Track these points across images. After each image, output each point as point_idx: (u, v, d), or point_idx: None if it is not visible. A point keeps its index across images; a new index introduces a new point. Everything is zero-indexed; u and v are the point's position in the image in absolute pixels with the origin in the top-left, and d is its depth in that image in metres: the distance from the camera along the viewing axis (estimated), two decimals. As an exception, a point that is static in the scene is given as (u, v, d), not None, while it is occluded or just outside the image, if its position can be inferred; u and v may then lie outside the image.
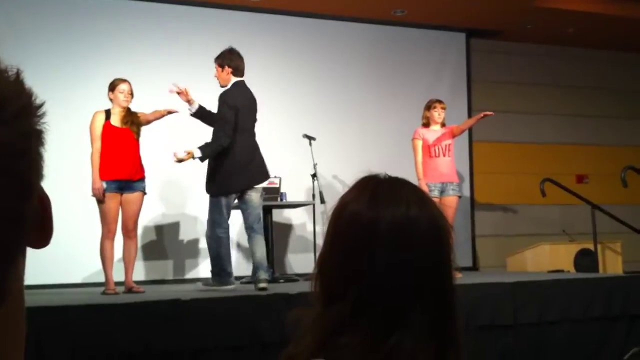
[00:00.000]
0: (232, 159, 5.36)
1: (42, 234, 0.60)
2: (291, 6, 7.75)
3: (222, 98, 5.49)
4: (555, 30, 8.60)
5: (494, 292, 4.77)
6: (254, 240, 5.42)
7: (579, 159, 9.25)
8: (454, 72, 8.72)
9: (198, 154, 5.34)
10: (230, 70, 5.59)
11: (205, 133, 7.32)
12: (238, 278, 6.86)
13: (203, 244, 7.40)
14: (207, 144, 5.39)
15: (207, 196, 7.33)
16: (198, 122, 7.10)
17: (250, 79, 7.58)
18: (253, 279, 5.43)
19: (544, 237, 8.12)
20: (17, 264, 0.57)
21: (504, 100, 8.83)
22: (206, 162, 5.47)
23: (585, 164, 9.28)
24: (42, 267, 6.32)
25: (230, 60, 5.61)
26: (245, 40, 7.65)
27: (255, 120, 5.64)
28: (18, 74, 0.57)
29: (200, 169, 7.33)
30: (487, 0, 7.68)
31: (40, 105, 0.58)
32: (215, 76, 5.64)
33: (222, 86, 5.61)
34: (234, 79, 5.58)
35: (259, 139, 7.52)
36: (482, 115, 6.59)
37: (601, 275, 6.47)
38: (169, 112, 5.69)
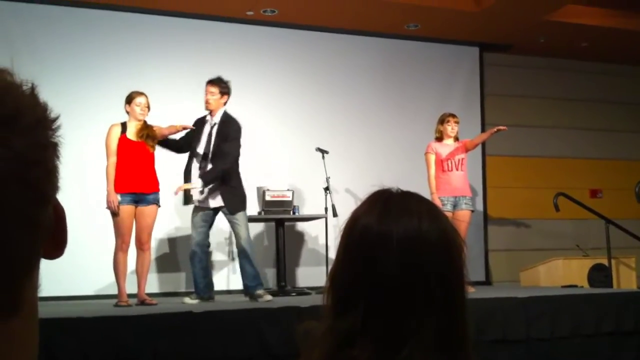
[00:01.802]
0: (239, 179, 5.73)
1: (56, 244, 0.61)
2: (305, 20, 7.78)
3: (235, 127, 5.75)
4: (568, 44, 8.59)
5: (506, 307, 4.74)
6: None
7: (593, 174, 9.20)
8: (467, 86, 8.71)
9: (199, 183, 5.57)
10: (226, 100, 5.81)
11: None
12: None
13: (215, 257, 7.43)
14: (208, 172, 5.61)
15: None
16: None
17: (264, 93, 7.65)
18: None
19: (557, 251, 8.06)
20: (32, 274, 0.58)
21: (518, 114, 8.81)
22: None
23: (599, 179, 9.23)
24: (55, 278, 6.36)
25: (229, 91, 5.85)
26: (259, 54, 7.71)
27: None
28: (33, 87, 0.58)
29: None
30: (500, 14, 7.68)
31: (56, 119, 0.59)
32: (210, 99, 5.77)
33: (208, 109, 5.80)
34: (223, 108, 5.79)
35: (273, 151, 7.58)
36: (495, 129, 6.58)
37: (615, 290, 6.41)
38: (184, 128, 5.72)
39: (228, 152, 5.62)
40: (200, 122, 5.82)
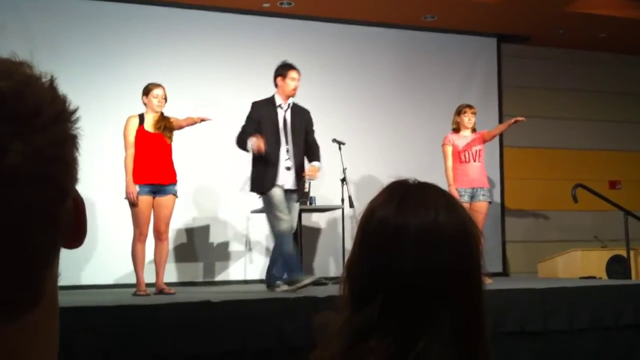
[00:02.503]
0: None
1: (76, 235, 0.61)
2: (321, 12, 7.77)
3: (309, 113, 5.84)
4: (587, 35, 8.51)
5: (523, 298, 4.72)
6: None
7: (612, 165, 9.13)
8: (484, 78, 8.66)
9: (318, 164, 5.67)
10: None
11: (233, 141, 7.38)
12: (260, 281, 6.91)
13: (233, 247, 7.47)
14: (317, 152, 5.75)
15: (236, 200, 7.39)
16: (230, 129, 7.19)
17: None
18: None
19: (575, 243, 8.01)
20: (52, 266, 0.59)
21: (536, 105, 8.75)
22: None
23: (618, 170, 9.16)
24: (74, 268, 6.43)
25: None
26: (276, 46, 7.70)
27: None
28: (52, 80, 0.59)
29: (229, 173, 7.38)
30: (518, 5, 7.62)
31: (74, 111, 0.59)
32: (298, 86, 5.73)
33: (293, 96, 5.74)
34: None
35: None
36: (513, 120, 6.53)
37: (633, 282, 6.37)
38: (202, 120, 5.73)
39: (314, 136, 5.75)
40: (265, 107, 5.68)
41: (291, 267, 5.41)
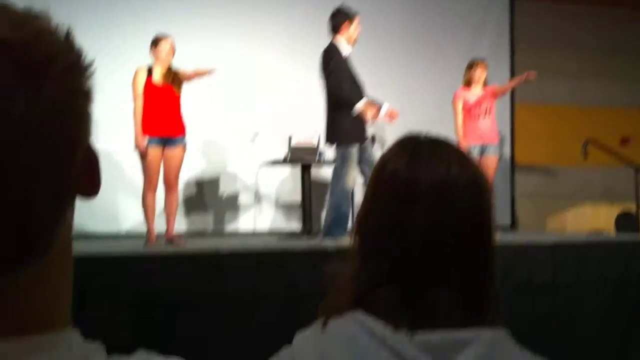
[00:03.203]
0: None
1: (89, 186, 0.62)
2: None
3: None
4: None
5: (532, 252, 4.74)
6: None
7: (624, 121, 9.06)
8: (496, 33, 8.56)
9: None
10: None
11: (246, 97, 7.35)
12: (276, 232, 6.96)
13: (242, 199, 7.50)
14: None
15: (245, 152, 7.40)
16: (240, 84, 7.15)
17: (292, 41, 7.58)
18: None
19: (585, 199, 8.01)
20: (65, 214, 0.59)
21: (547, 61, 8.65)
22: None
23: (629, 126, 9.09)
24: (87, 217, 6.49)
25: None
26: (285, 4, 7.61)
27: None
28: (69, 32, 0.59)
29: (238, 124, 7.37)
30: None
31: (90, 65, 0.59)
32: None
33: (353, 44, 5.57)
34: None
35: (299, 97, 7.55)
36: (524, 76, 6.46)
37: (642, 238, 6.37)
38: (210, 72, 5.70)
39: None
40: (340, 55, 5.49)
41: (344, 227, 5.31)
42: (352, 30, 5.49)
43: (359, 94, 5.44)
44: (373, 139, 5.98)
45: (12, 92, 0.52)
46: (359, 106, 5.32)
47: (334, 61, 5.37)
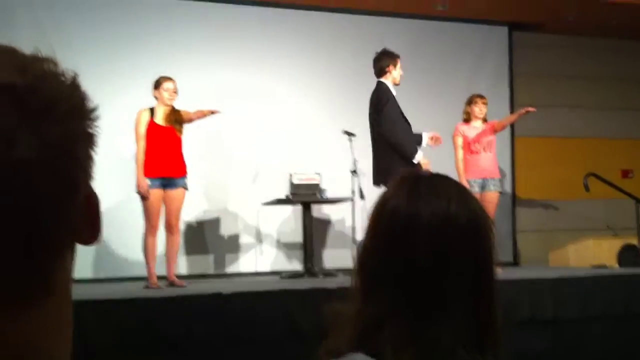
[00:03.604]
0: None
1: (90, 231, 0.62)
2: (331, 2, 7.74)
3: None
4: (598, 22, 8.44)
5: (535, 287, 4.72)
6: None
7: (624, 154, 9.08)
8: (495, 67, 8.62)
9: None
10: None
11: (246, 133, 7.38)
12: (278, 272, 6.93)
13: (243, 239, 7.48)
14: None
15: (246, 192, 7.40)
16: (240, 121, 7.19)
17: (290, 75, 7.65)
18: None
19: (587, 232, 7.99)
20: (64, 258, 0.59)
21: (547, 94, 8.70)
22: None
23: (630, 159, 9.10)
24: (86, 261, 6.46)
25: None
26: (285, 37, 7.70)
27: (369, 120, 5.72)
28: (74, 77, 0.60)
29: (239, 165, 7.40)
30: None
31: (93, 109, 0.60)
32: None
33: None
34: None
35: (299, 134, 7.58)
36: (524, 111, 6.49)
37: (646, 271, 6.34)
38: (212, 113, 5.73)
39: None
40: (393, 97, 5.65)
41: None
42: (397, 72, 5.70)
43: (409, 134, 5.61)
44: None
45: (12, 135, 0.52)
46: (418, 159, 5.45)
47: (389, 104, 5.52)
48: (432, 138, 5.73)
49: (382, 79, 5.69)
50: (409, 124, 5.68)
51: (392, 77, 5.68)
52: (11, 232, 0.53)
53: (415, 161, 5.44)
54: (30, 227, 0.54)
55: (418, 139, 5.72)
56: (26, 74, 0.55)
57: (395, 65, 5.69)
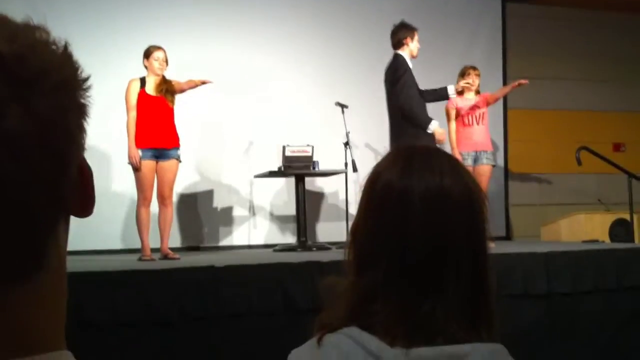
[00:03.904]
0: None
1: (83, 203, 0.61)
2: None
3: None
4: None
5: (527, 262, 4.74)
6: None
7: (616, 127, 9.09)
8: (489, 39, 8.59)
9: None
10: None
11: (239, 105, 7.36)
12: (270, 246, 6.95)
13: (237, 212, 7.49)
14: None
15: (239, 164, 7.40)
16: (233, 93, 7.17)
17: (284, 47, 7.61)
18: None
19: (579, 206, 8.02)
20: (58, 231, 0.59)
21: (540, 66, 8.68)
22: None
23: (622, 132, 9.12)
24: (79, 233, 6.46)
25: None
26: (279, 10, 7.63)
27: (386, 91, 5.80)
28: (66, 46, 0.58)
29: (232, 136, 7.38)
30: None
31: (85, 79, 0.59)
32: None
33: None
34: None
35: (292, 106, 7.56)
36: (516, 83, 6.49)
37: (636, 245, 6.39)
38: (203, 83, 5.70)
39: None
40: (409, 70, 5.74)
41: None
42: (414, 44, 5.74)
43: (423, 105, 5.74)
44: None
45: (2, 106, 0.52)
46: (432, 128, 5.57)
47: (406, 75, 5.60)
48: (457, 89, 5.95)
49: (399, 51, 5.75)
50: (423, 97, 5.80)
51: (410, 50, 5.74)
52: (4, 203, 0.52)
53: (430, 131, 5.54)
54: (21, 200, 0.53)
55: (443, 92, 5.95)
56: (14, 43, 0.54)
57: (412, 38, 5.75)
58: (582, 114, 9.00)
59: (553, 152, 8.70)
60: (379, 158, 1.15)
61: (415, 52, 5.77)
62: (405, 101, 5.53)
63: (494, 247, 5.08)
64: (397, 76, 5.57)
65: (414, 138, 5.41)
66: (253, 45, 7.46)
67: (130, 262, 5.08)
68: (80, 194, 0.60)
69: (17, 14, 0.60)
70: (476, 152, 6.37)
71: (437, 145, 4.91)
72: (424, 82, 8.01)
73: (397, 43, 5.76)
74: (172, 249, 5.74)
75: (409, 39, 5.73)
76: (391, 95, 5.67)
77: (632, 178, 7.10)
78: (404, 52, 5.74)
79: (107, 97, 6.02)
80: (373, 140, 7.57)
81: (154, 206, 5.59)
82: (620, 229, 7.20)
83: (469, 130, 6.40)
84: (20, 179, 0.53)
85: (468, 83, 6.07)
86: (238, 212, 7.51)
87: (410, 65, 5.73)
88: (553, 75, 8.81)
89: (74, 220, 0.62)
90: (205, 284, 3.93)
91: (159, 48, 5.59)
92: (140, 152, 5.42)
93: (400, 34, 5.75)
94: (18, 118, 0.52)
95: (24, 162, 0.53)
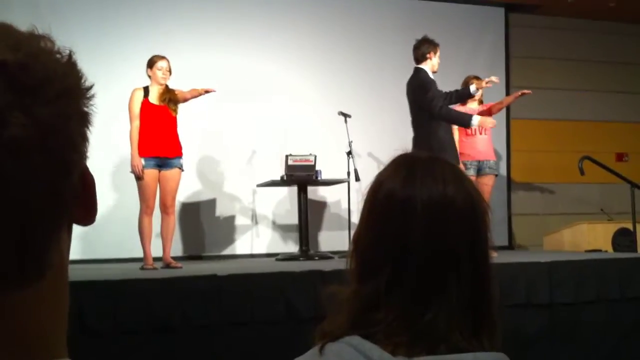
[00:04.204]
0: None
1: (86, 211, 0.62)
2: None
3: None
4: (595, 4, 8.42)
5: (530, 271, 4.73)
6: None
7: (619, 137, 9.08)
8: (492, 48, 8.60)
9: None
10: None
11: (242, 114, 7.37)
12: (272, 255, 6.94)
13: (239, 221, 7.48)
14: None
15: (242, 173, 7.40)
16: (236, 101, 7.17)
17: (287, 56, 7.62)
18: None
19: (582, 216, 8.01)
20: (59, 239, 0.59)
21: (543, 76, 8.69)
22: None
23: (625, 142, 9.11)
24: (81, 242, 6.46)
25: None
26: (283, 17, 7.66)
27: (410, 104, 5.91)
28: (70, 55, 0.59)
29: (235, 146, 7.39)
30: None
31: (89, 88, 0.60)
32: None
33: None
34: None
35: (294, 116, 7.57)
36: (519, 93, 6.52)
37: (639, 255, 6.37)
38: (207, 92, 5.71)
39: None
40: (434, 82, 5.87)
41: None
42: (435, 60, 5.86)
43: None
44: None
45: (5, 113, 0.52)
46: (475, 122, 5.71)
47: (434, 87, 5.73)
48: (479, 87, 6.03)
49: (422, 65, 5.86)
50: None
51: (431, 64, 5.85)
52: (3, 212, 0.53)
53: (474, 126, 5.74)
54: (24, 205, 0.54)
55: (466, 92, 6.09)
56: (18, 51, 0.55)
57: (435, 53, 5.86)
58: (584, 124, 8.99)
59: (556, 161, 8.70)
60: (382, 167, 1.15)
61: (436, 67, 5.88)
62: (441, 111, 5.65)
63: (496, 257, 5.07)
64: (427, 87, 5.70)
65: (441, 151, 5.46)
66: (256, 54, 7.47)
67: (132, 271, 5.08)
68: (82, 202, 0.61)
69: (22, 23, 0.61)
70: (479, 161, 6.37)
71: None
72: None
73: (421, 57, 5.87)
74: (175, 258, 5.74)
75: (432, 54, 5.84)
76: (418, 106, 5.78)
77: (635, 188, 7.09)
78: (426, 66, 5.84)
79: (110, 106, 6.03)
80: (375, 149, 7.57)
81: (157, 215, 5.59)
82: (623, 239, 7.18)
83: (472, 140, 6.40)
84: (23, 184, 0.53)
85: (491, 80, 6.06)
86: (240, 221, 7.51)
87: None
88: (556, 85, 8.82)
89: (76, 229, 0.62)
90: (208, 293, 3.92)
91: (162, 58, 5.61)
92: (143, 161, 5.44)
93: (423, 48, 5.86)
94: (21, 125, 0.52)
95: (26, 168, 0.53)
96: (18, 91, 0.53)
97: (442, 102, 5.71)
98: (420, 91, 5.71)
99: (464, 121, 5.74)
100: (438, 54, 5.89)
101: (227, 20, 7.46)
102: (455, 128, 6.44)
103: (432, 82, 5.75)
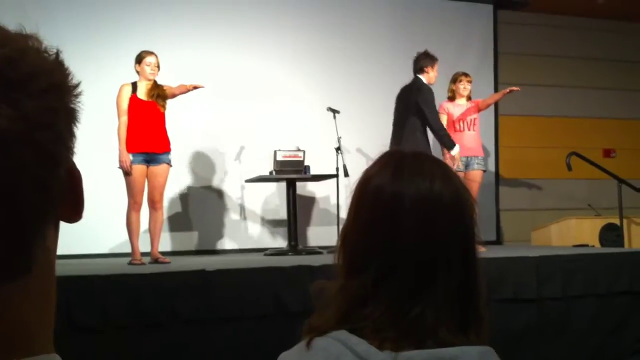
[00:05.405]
0: None
1: (73, 207, 0.62)
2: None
3: None
4: (584, 1, 8.45)
5: (517, 266, 4.76)
6: None
7: (607, 133, 9.14)
8: (480, 45, 8.62)
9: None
10: None
11: (230, 109, 7.35)
12: (260, 250, 6.94)
13: (228, 216, 7.47)
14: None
15: (230, 169, 7.40)
16: (224, 97, 7.17)
17: (275, 52, 7.61)
18: None
19: (569, 211, 8.05)
20: (46, 234, 0.59)
21: (531, 73, 8.72)
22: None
23: (612, 138, 9.16)
24: (69, 237, 6.43)
25: None
26: (271, 13, 7.64)
27: (401, 105, 6.22)
28: (58, 54, 0.59)
29: (223, 141, 7.38)
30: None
31: (76, 85, 0.60)
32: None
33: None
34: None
35: (283, 111, 7.56)
36: (508, 90, 6.54)
37: (626, 250, 6.42)
38: (195, 87, 5.70)
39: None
40: (432, 93, 6.11)
41: None
42: (433, 73, 6.14)
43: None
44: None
45: None
46: (455, 152, 5.99)
47: (432, 98, 6.00)
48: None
49: (419, 76, 6.14)
50: None
51: (429, 77, 6.13)
52: None
53: (453, 153, 5.98)
54: (10, 199, 0.53)
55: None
56: (5, 47, 0.55)
57: (433, 67, 6.14)
58: (572, 120, 9.04)
59: (544, 157, 8.74)
60: (370, 163, 1.16)
61: (433, 80, 6.13)
62: (437, 122, 6.01)
63: (484, 252, 5.09)
64: (425, 96, 5.97)
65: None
66: (245, 50, 7.46)
67: (120, 266, 5.07)
68: (69, 198, 0.61)
69: (9, 21, 0.61)
70: (467, 157, 6.39)
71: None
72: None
73: (419, 69, 6.15)
74: (163, 253, 5.73)
75: (429, 68, 6.11)
76: (416, 112, 6.00)
77: (622, 183, 7.14)
78: (423, 78, 6.10)
79: (98, 101, 6.00)
80: (364, 145, 7.58)
81: (145, 210, 5.57)
82: (610, 234, 7.23)
83: (461, 136, 6.42)
84: (9, 178, 0.53)
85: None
86: (229, 216, 7.50)
87: None
88: (544, 82, 8.85)
89: (63, 224, 0.62)
90: (196, 288, 3.92)
91: (150, 53, 5.59)
92: (131, 157, 5.42)
93: (422, 61, 6.14)
94: (8, 117, 0.52)
95: (14, 161, 0.53)
96: (4, 85, 0.53)
97: (439, 118, 6.11)
98: (416, 98, 5.98)
99: (449, 145, 6.01)
100: (436, 67, 6.14)
101: (217, 17, 7.44)
102: (444, 123, 6.47)
103: (432, 93, 6.01)
